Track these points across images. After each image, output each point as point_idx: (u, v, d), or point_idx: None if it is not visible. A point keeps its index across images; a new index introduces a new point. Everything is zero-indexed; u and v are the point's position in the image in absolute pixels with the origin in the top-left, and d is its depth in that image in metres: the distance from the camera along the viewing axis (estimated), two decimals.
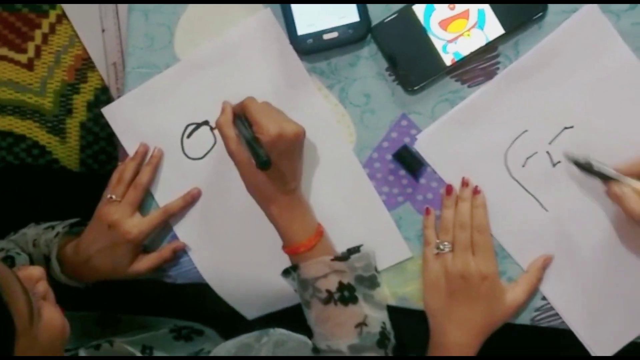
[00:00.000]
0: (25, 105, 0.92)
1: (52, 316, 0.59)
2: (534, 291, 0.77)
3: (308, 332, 0.79)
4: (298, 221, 0.77)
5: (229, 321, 0.87)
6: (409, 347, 0.81)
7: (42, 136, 0.94)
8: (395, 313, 0.80)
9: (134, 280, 0.85)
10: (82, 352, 0.73)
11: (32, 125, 0.93)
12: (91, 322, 0.88)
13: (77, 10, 0.92)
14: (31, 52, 0.91)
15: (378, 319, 0.77)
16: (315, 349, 0.77)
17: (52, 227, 0.85)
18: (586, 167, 0.72)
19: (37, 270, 0.62)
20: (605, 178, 0.71)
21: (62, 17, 0.92)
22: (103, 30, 0.90)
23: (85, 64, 0.93)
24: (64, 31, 0.93)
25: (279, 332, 0.77)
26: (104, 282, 0.84)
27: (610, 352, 0.78)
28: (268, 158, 0.70)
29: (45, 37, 0.92)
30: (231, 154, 0.75)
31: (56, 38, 0.92)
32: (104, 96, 0.89)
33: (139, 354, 0.77)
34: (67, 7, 0.92)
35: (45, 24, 0.92)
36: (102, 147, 0.93)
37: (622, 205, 0.69)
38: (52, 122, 0.93)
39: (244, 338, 0.77)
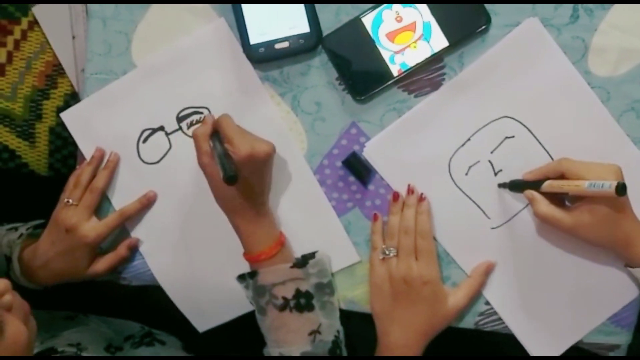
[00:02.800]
0: None
1: (16, 331, 0.58)
2: (475, 296, 0.79)
3: (259, 345, 0.80)
4: (261, 231, 0.78)
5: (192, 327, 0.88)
6: (359, 349, 0.82)
7: (12, 140, 0.95)
8: (345, 316, 0.82)
9: (102, 281, 0.86)
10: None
11: (2, 130, 0.94)
12: (60, 319, 0.88)
13: (49, 17, 0.93)
14: (3, 58, 0.92)
15: (333, 326, 0.79)
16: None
17: (16, 229, 0.87)
18: (509, 186, 0.77)
19: (1, 283, 0.60)
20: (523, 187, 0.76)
21: (34, 23, 0.94)
22: (73, 37, 0.91)
23: (56, 70, 0.94)
24: (35, 38, 0.94)
25: None
26: (73, 284, 0.85)
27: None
28: (235, 173, 0.71)
29: (17, 43, 0.93)
30: (202, 166, 0.76)
31: (27, 44, 0.94)
32: (73, 102, 0.89)
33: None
34: (39, 14, 0.93)
35: (17, 31, 0.93)
36: (71, 151, 0.94)
37: (532, 207, 0.73)
38: (22, 126, 0.94)
39: None
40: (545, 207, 0.72)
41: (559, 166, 0.72)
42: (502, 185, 0.78)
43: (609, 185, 0.65)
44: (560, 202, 0.74)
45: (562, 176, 0.72)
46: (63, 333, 0.82)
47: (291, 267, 0.77)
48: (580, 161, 0.72)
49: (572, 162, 0.72)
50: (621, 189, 0.65)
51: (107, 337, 0.86)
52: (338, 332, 0.79)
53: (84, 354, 0.77)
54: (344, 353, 0.79)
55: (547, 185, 0.72)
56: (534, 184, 0.74)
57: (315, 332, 0.76)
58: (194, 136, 0.76)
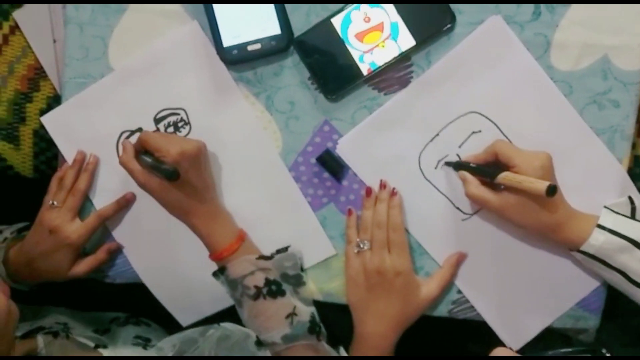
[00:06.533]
0: None
1: None
2: (447, 286, 0.82)
3: None
4: (219, 229, 0.81)
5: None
6: (336, 338, 0.84)
7: None
8: (324, 307, 0.84)
9: (89, 279, 0.88)
10: (40, 338, 0.76)
11: None
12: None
13: (30, 22, 0.95)
14: None
15: (307, 310, 0.81)
16: (258, 341, 0.79)
17: (0, 232, 0.89)
18: (455, 166, 0.80)
19: None
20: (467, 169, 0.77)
21: (15, 28, 0.95)
22: (54, 41, 0.92)
23: (38, 74, 0.95)
24: (17, 42, 0.95)
25: (223, 327, 0.79)
26: (60, 283, 0.87)
27: (522, 342, 0.83)
28: (174, 169, 0.75)
29: None
30: (141, 185, 0.79)
31: (9, 49, 0.95)
32: (56, 104, 0.90)
33: (91, 344, 0.80)
34: (20, 19, 0.95)
35: None
36: (55, 153, 0.94)
37: (464, 188, 0.76)
38: (6, 129, 0.96)
39: (189, 332, 0.79)
40: (475, 188, 0.75)
41: (493, 147, 0.76)
42: (448, 164, 0.81)
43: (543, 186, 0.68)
44: (493, 185, 0.75)
45: (497, 157, 0.75)
46: (51, 314, 0.85)
47: (257, 258, 0.80)
48: (513, 145, 0.77)
49: (505, 144, 0.76)
50: (551, 191, 0.68)
51: (94, 322, 0.89)
52: (313, 314, 0.82)
53: (72, 333, 0.80)
54: (323, 331, 0.81)
55: (501, 178, 0.73)
56: (476, 168, 0.77)
57: (291, 315, 0.79)
58: (121, 164, 0.80)
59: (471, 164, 0.77)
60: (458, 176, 0.78)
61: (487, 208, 0.75)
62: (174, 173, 0.75)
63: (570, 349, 0.54)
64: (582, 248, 0.73)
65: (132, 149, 0.80)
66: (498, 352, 0.61)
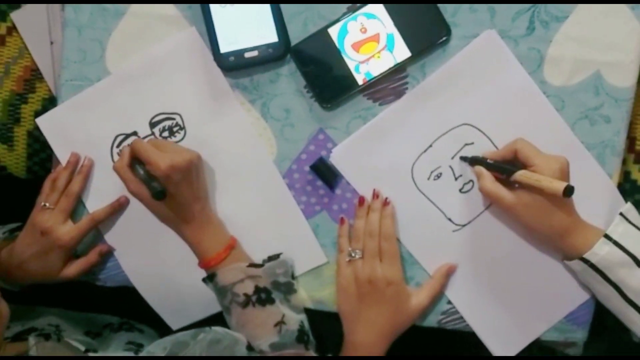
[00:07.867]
0: None
1: None
2: (437, 296, 0.82)
3: None
4: (208, 238, 0.81)
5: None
6: (326, 346, 0.85)
7: None
8: (314, 315, 0.85)
9: (81, 281, 0.88)
10: (31, 339, 0.76)
11: None
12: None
13: (27, 23, 0.95)
14: None
15: (296, 318, 0.81)
16: (249, 346, 0.79)
17: None
18: (470, 161, 0.80)
19: None
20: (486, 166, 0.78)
21: (12, 29, 0.96)
22: (51, 43, 0.92)
23: (34, 75, 0.96)
24: (13, 43, 0.96)
25: (215, 331, 0.79)
26: (53, 285, 0.87)
27: (510, 354, 0.83)
28: (162, 189, 0.76)
29: None
30: (133, 194, 0.80)
31: (6, 50, 0.96)
32: (51, 106, 0.90)
33: (82, 347, 0.79)
34: (17, 20, 0.95)
35: None
36: (49, 154, 0.95)
37: (479, 182, 0.76)
38: (0, 130, 0.96)
39: (180, 335, 0.78)
40: (490, 183, 0.75)
41: (514, 144, 0.76)
42: (463, 159, 0.81)
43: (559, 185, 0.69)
44: (506, 182, 0.76)
45: (515, 154, 0.75)
46: (43, 314, 0.85)
47: (247, 266, 0.81)
48: (534, 145, 0.75)
49: (526, 143, 0.75)
50: (569, 192, 0.69)
51: (86, 324, 0.89)
52: (302, 322, 0.82)
53: (63, 336, 0.80)
54: (312, 339, 0.82)
55: (519, 175, 0.73)
56: (493, 165, 0.77)
57: (280, 323, 0.79)
58: (115, 170, 0.80)
59: (488, 160, 0.78)
60: (473, 171, 0.79)
61: (499, 205, 0.75)
62: (160, 194, 0.76)
63: None
64: (585, 256, 0.73)
65: (128, 156, 0.80)
66: None
